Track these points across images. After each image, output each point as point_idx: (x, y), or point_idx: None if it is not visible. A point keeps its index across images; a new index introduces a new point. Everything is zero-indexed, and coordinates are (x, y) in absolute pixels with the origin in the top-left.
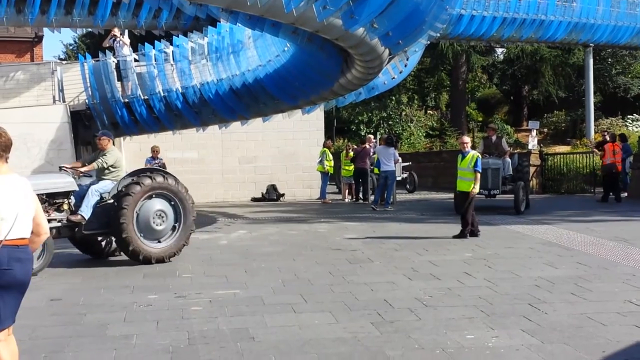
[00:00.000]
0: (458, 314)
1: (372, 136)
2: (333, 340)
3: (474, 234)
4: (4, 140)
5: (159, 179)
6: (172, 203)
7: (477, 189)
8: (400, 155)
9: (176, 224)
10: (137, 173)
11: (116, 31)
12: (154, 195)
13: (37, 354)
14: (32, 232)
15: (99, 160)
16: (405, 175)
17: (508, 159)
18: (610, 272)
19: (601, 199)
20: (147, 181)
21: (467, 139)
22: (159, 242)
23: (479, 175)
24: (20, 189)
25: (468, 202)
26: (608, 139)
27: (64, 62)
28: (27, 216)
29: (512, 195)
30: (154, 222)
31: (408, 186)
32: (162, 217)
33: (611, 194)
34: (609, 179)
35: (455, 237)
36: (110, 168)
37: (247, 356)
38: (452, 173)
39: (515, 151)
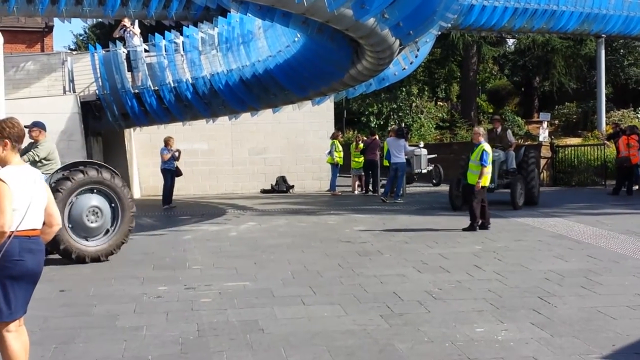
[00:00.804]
0: (467, 307)
1: (396, 127)
2: (342, 332)
3: (484, 226)
4: (17, 130)
5: (92, 172)
6: (109, 199)
7: (480, 183)
8: (412, 146)
9: (114, 221)
10: (69, 167)
11: (126, 21)
12: (90, 190)
13: (47, 344)
14: (44, 223)
15: (31, 152)
16: (430, 168)
17: (512, 152)
18: (621, 266)
19: (612, 192)
20: (79, 176)
21: (480, 130)
22: (94, 239)
23: (484, 169)
24: (32, 179)
25: (474, 195)
26: (622, 131)
27: (74, 52)
28: (38, 207)
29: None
30: (87, 219)
31: (434, 179)
32: (97, 213)
33: (623, 186)
34: (622, 171)
35: (464, 229)
36: (42, 161)
37: (257, 348)
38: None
39: (525, 143)
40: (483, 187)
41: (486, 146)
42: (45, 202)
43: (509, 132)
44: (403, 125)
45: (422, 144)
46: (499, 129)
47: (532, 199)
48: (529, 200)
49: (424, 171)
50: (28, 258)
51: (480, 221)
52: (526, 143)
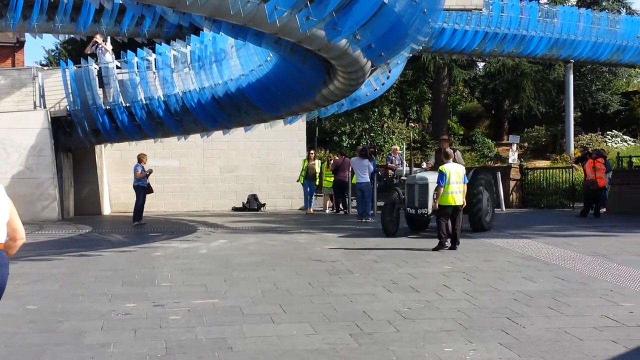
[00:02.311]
0: (436, 326)
1: (397, 147)
2: (311, 351)
3: (453, 246)
4: None
5: None
6: None
7: (436, 203)
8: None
9: None
10: None
11: (98, 38)
12: None
13: None
14: (9, 238)
15: None
16: None
17: None
18: (588, 287)
19: (580, 214)
20: None
21: (447, 152)
22: None
23: (439, 189)
24: None
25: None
26: (589, 154)
27: (45, 67)
28: (0, 222)
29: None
30: None
31: None
32: None
33: (591, 209)
34: (589, 194)
35: (433, 249)
36: None
37: None
38: None
39: (476, 165)
40: (447, 206)
41: (443, 167)
42: (8, 217)
43: (458, 153)
44: (374, 144)
45: (425, 165)
46: (447, 149)
47: (479, 226)
48: (477, 227)
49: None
50: None
51: (447, 239)
52: (496, 165)
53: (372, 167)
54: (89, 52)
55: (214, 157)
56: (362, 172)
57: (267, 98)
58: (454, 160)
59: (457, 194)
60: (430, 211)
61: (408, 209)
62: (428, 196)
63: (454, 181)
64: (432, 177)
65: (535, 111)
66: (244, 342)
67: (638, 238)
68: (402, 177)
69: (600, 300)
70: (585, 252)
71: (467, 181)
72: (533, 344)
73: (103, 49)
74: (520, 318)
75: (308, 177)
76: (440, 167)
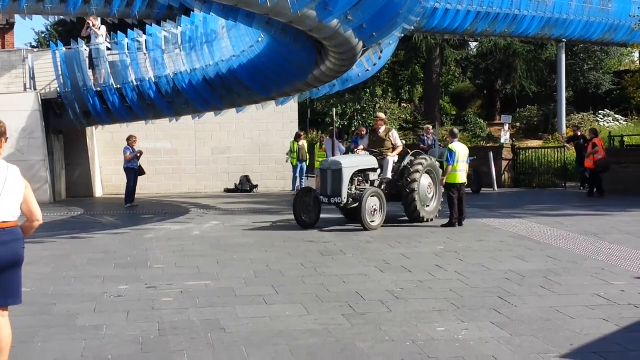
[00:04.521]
0: (429, 306)
1: (430, 127)
2: (304, 332)
3: (460, 222)
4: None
5: None
6: None
7: (444, 180)
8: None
9: None
10: None
11: (93, 20)
12: None
13: None
14: (26, 219)
15: None
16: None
17: (390, 158)
18: (580, 266)
19: (589, 194)
20: None
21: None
22: None
23: (448, 167)
24: (3, 174)
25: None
26: (592, 135)
27: (35, 49)
28: (7, 201)
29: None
30: None
31: (472, 187)
32: None
33: (595, 189)
34: (599, 173)
35: (443, 225)
36: None
37: (218, 347)
38: None
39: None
40: (454, 184)
41: (452, 146)
42: (20, 197)
43: (394, 132)
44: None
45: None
46: (382, 129)
47: (415, 216)
48: (413, 217)
49: None
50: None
51: (457, 217)
52: (488, 145)
53: (343, 148)
54: (85, 35)
55: (206, 139)
56: (334, 152)
57: (259, 79)
58: (391, 143)
59: (463, 173)
60: (345, 201)
61: (321, 197)
62: (342, 183)
63: (462, 160)
64: (347, 162)
65: (527, 91)
66: (236, 323)
67: (629, 217)
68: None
69: (592, 279)
70: (577, 232)
71: (469, 161)
72: (525, 322)
73: (95, 32)
74: (512, 297)
75: (299, 159)
76: (449, 146)
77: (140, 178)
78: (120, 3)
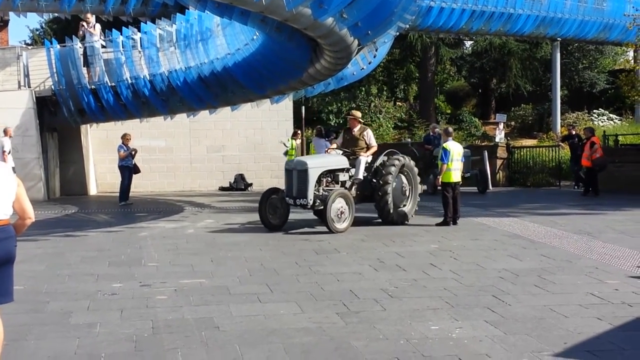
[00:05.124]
0: (423, 305)
1: (436, 125)
2: (298, 330)
3: (454, 221)
4: None
5: None
6: None
7: (440, 179)
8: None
9: None
10: None
11: (88, 18)
12: None
13: None
14: (18, 217)
15: None
16: (470, 173)
17: (362, 158)
18: (573, 265)
19: (584, 192)
20: None
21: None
22: None
23: (442, 166)
24: None
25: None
26: (589, 134)
27: (30, 47)
28: (6, 199)
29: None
30: None
31: (478, 187)
32: None
33: (590, 188)
34: (597, 172)
35: (437, 224)
36: None
37: (212, 345)
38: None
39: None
40: (449, 183)
41: (447, 145)
42: (13, 196)
43: (369, 132)
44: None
45: (463, 144)
46: (356, 129)
47: (388, 218)
48: (385, 219)
49: (467, 175)
50: None
51: (451, 217)
52: (483, 143)
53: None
54: (82, 34)
55: (200, 137)
56: (321, 151)
57: (254, 77)
58: (365, 142)
59: (457, 172)
60: (311, 202)
61: (287, 198)
62: (308, 184)
63: (456, 159)
64: (313, 162)
65: (522, 90)
66: (231, 322)
67: (623, 216)
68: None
69: (586, 278)
70: (571, 230)
71: (464, 160)
72: (519, 321)
73: (90, 32)
74: (506, 296)
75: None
76: (444, 145)
77: (135, 176)
78: (115, 1)
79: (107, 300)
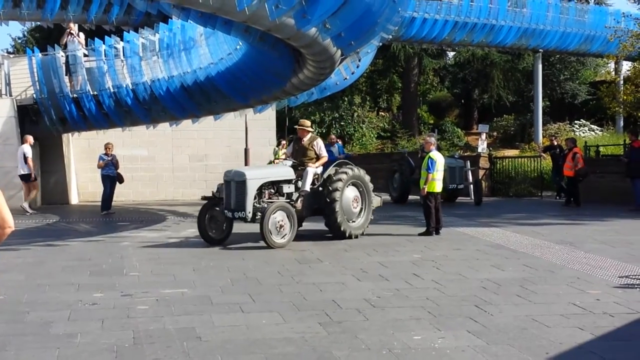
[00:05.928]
0: (405, 314)
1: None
2: (280, 340)
3: (437, 231)
4: None
5: None
6: None
7: (425, 189)
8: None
9: None
10: None
11: (71, 27)
12: None
13: None
14: None
15: None
16: (464, 185)
17: (309, 169)
18: (556, 275)
19: (566, 203)
20: None
21: (430, 140)
22: None
23: (428, 175)
24: None
25: (421, 200)
26: (571, 145)
27: (11, 55)
28: None
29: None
30: None
31: (473, 197)
32: None
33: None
34: (578, 183)
35: (420, 234)
36: None
37: (193, 356)
38: None
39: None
40: (432, 193)
41: (433, 154)
42: None
43: (319, 142)
44: (344, 133)
45: (457, 155)
46: (306, 138)
47: (339, 233)
48: (336, 234)
49: (461, 186)
50: None
51: (434, 227)
52: (466, 154)
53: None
54: (64, 42)
55: (183, 146)
56: None
57: (237, 87)
58: (315, 153)
59: (440, 182)
60: (250, 216)
61: (225, 211)
62: (246, 196)
63: (440, 169)
64: (252, 173)
65: (504, 100)
66: (212, 332)
67: (605, 226)
68: None
69: (568, 287)
70: (553, 240)
71: (458, 171)
72: (501, 331)
73: (76, 40)
74: (488, 306)
75: None
76: (430, 155)
77: (117, 185)
78: (98, 9)
79: (88, 310)
